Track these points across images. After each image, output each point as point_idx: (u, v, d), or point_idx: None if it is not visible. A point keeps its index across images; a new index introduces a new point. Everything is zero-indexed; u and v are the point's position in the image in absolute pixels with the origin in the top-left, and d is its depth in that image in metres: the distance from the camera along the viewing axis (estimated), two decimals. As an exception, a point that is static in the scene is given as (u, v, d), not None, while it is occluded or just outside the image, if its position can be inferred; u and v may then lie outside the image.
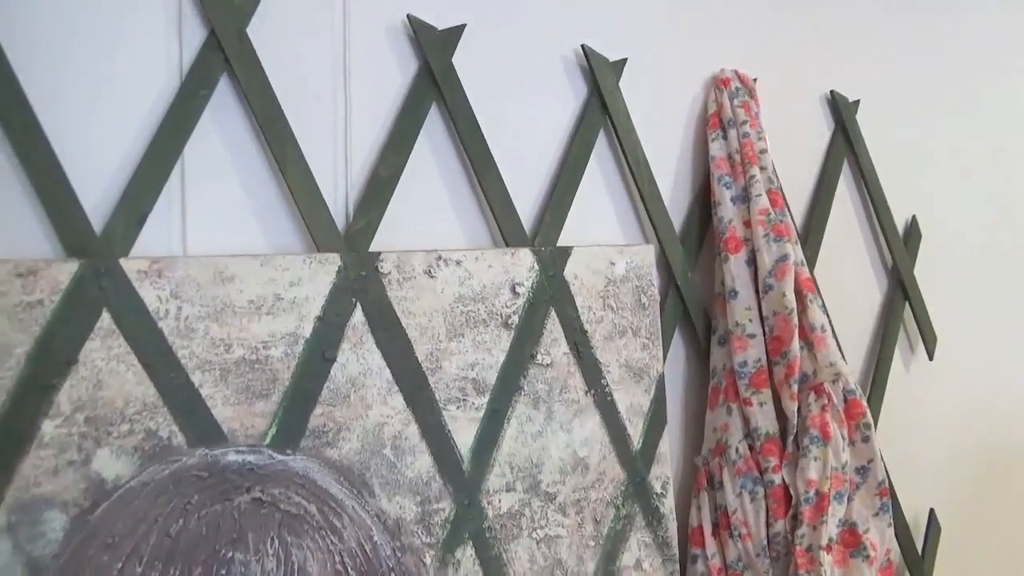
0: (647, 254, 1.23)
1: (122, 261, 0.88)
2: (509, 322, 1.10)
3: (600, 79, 1.24)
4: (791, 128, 1.46)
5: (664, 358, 1.26)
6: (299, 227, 1.03)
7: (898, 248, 1.61)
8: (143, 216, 0.92)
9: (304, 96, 1.04)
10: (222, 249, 0.97)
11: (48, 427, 0.84)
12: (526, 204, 1.20)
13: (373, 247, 1.05)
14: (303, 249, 1.03)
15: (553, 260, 1.15)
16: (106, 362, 0.87)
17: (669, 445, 1.24)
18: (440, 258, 1.06)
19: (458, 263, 1.07)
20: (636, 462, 1.19)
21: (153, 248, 0.94)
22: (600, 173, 1.29)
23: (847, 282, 1.54)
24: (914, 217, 1.67)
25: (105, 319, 0.87)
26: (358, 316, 1.00)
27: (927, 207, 1.68)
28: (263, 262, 0.95)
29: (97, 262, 0.87)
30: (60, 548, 0.84)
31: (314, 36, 1.05)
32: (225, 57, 0.97)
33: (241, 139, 1.01)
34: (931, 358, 1.66)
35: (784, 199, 1.33)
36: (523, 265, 1.12)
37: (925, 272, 1.65)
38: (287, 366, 0.96)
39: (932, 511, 1.62)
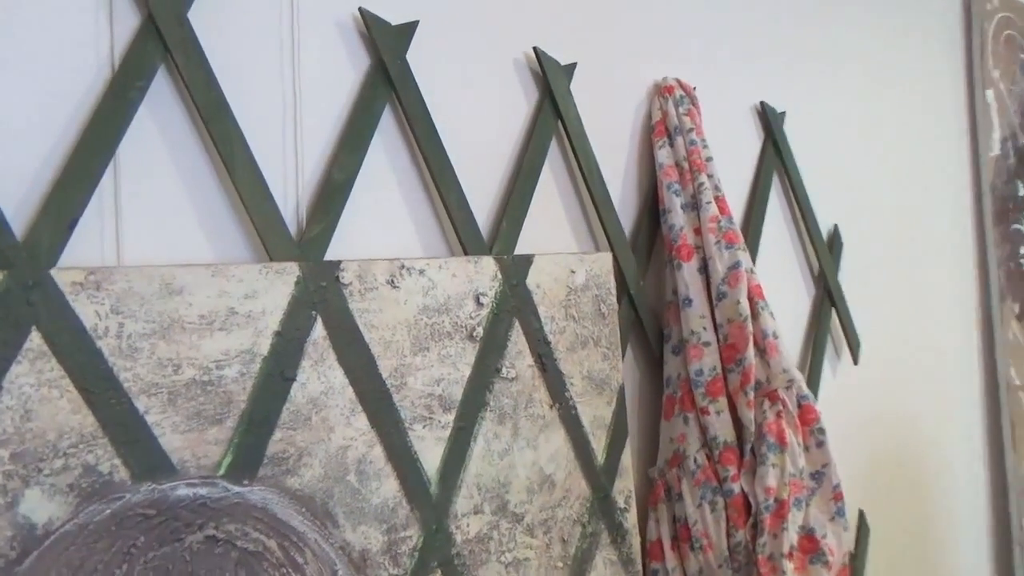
0: (605, 262, 1.21)
1: (53, 272, 0.76)
2: (474, 334, 1.05)
3: (553, 83, 1.22)
4: (725, 138, 1.47)
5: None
6: (248, 234, 0.94)
7: (824, 256, 1.66)
8: (72, 222, 0.81)
9: (251, 91, 0.95)
10: (163, 258, 0.87)
11: (-36, 467, 0.71)
12: (482, 210, 1.15)
13: (328, 255, 0.97)
14: (252, 258, 0.94)
15: (516, 269, 1.10)
16: (35, 389, 0.75)
17: (631, 458, 1.21)
18: (403, 267, 0.99)
19: (421, 272, 1.01)
20: (600, 477, 1.16)
21: (84, 258, 0.83)
22: (553, 179, 1.26)
23: (778, 288, 1.58)
24: (836, 226, 1.73)
25: (34, 339, 0.75)
26: (319, 330, 0.92)
27: (848, 216, 1.75)
28: (214, 272, 0.85)
29: (24, 273, 0.75)
30: (-19, 609, 0.72)
31: (261, 26, 0.97)
32: (164, 45, 0.87)
33: (182, 136, 0.91)
34: (856, 362, 1.72)
35: (727, 207, 1.34)
36: (486, 274, 1.07)
37: (846, 279, 1.71)
38: (243, 387, 0.86)
39: (861, 512, 1.67)
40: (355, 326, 0.95)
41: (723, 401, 1.25)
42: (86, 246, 0.83)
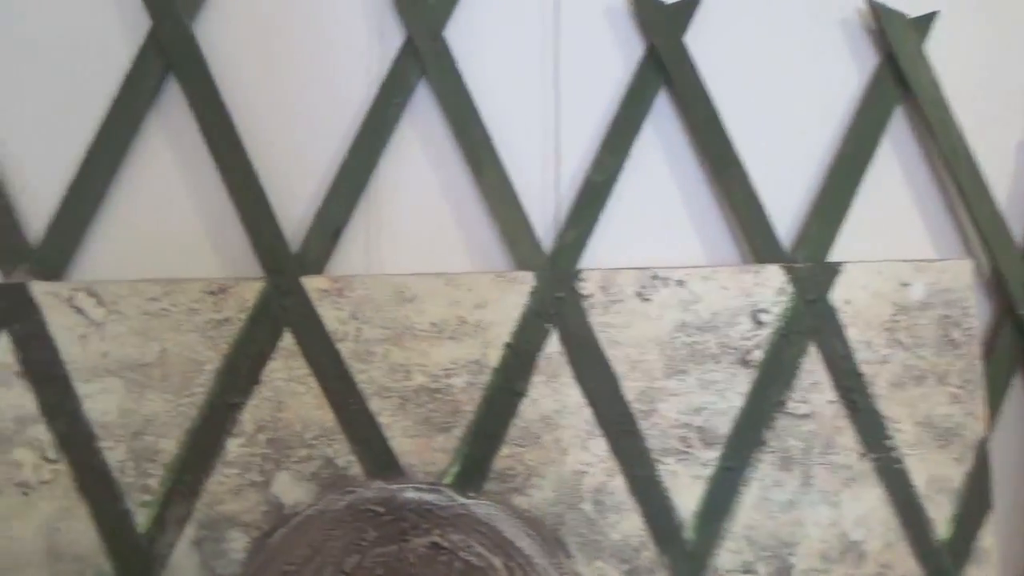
0: (960, 272, 0.90)
1: (304, 280, 0.85)
2: (749, 358, 0.87)
3: (896, 43, 0.95)
4: None
5: (993, 417, 0.91)
6: (500, 242, 0.92)
7: None
8: (336, 233, 0.89)
9: (508, 96, 0.93)
10: (416, 267, 0.90)
11: (232, 445, 0.83)
12: (783, 209, 0.95)
13: (581, 264, 0.90)
14: (504, 266, 0.92)
15: (814, 280, 0.89)
16: (287, 383, 0.84)
17: (996, 540, 0.89)
18: (656, 277, 0.87)
19: (680, 283, 0.87)
20: (940, 558, 0.87)
21: (347, 267, 0.90)
22: (899, 166, 0.98)
23: None
24: None
25: (287, 339, 0.84)
26: (553, 345, 0.86)
27: None
28: (447, 281, 0.86)
29: (280, 281, 0.85)
30: (240, 569, 0.83)
31: (520, 27, 0.94)
32: (421, 62, 0.90)
33: (438, 148, 0.93)
34: None
35: None
36: (770, 286, 0.88)
37: None
38: (471, 398, 0.85)
39: None
40: (596, 342, 0.86)
41: None
42: (349, 255, 0.91)
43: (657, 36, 0.93)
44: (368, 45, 0.93)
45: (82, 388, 0.82)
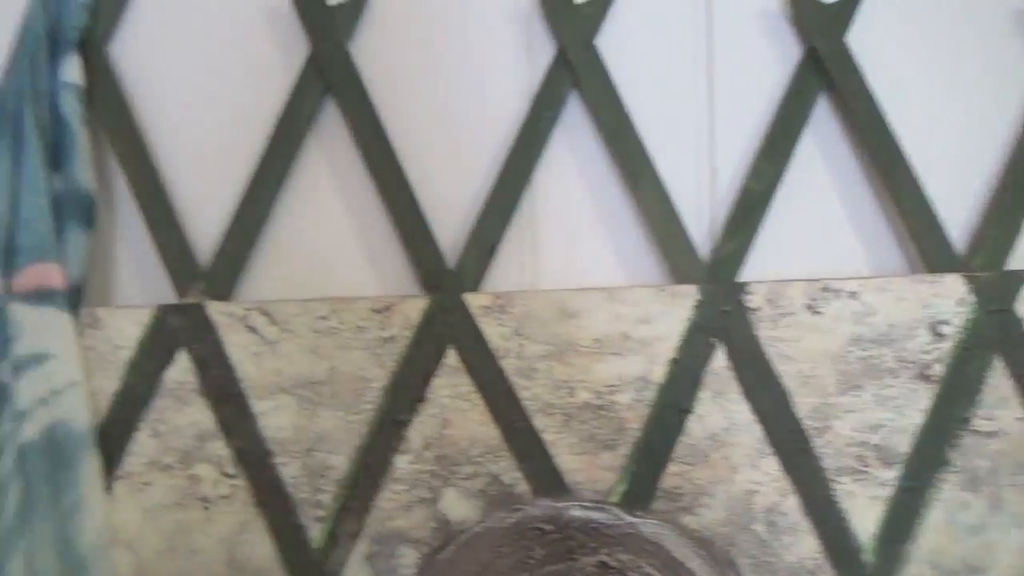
0: None
1: (467, 296, 0.85)
2: (928, 372, 0.83)
3: (1076, 34, 0.89)
4: None
5: None
6: (655, 255, 0.90)
7: None
8: (492, 249, 0.88)
9: (660, 104, 0.92)
10: (572, 282, 0.89)
11: (401, 462, 0.84)
12: (953, 214, 0.90)
13: (741, 277, 0.87)
14: (662, 281, 0.90)
15: (997, 289, 0.84)
16: (452, 400, 0.84)
17: None
18: (827, 289, 0.84)
19: (852, 295, 0.84)
20: None
21: (504, 282, 0.90)
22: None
23: None
24: None
25: (451, 356, 0.85)
26: (720, 360, 0.84)
27: None
28: (609, 296, 0.85)
29: (443, 298, 0.85)
30: (410, 585, 0.84)
31: (671, 33, 0.93)
32: (572, 73, 0.89)
33: (591, 160, 0.92)
34: None
35: None
36: (950, 296, 0.84)
37: None
38: (636, 415, 0.84)
39: None
40: (764, 357, 0.84)
41: None
42: (505, 271, 0.90)
43: (817, 37, 0.89)
44: (518, 59, 0.92)
45: (257, 405, 0.85)
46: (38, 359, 0.82)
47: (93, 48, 0.90)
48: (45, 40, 0.86)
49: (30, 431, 0.80)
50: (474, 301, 0.85)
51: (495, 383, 0.84)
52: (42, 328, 0.82)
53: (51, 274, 0.82)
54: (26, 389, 0.81)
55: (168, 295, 0.89)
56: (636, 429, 0.84)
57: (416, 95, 0.92)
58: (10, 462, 0.79)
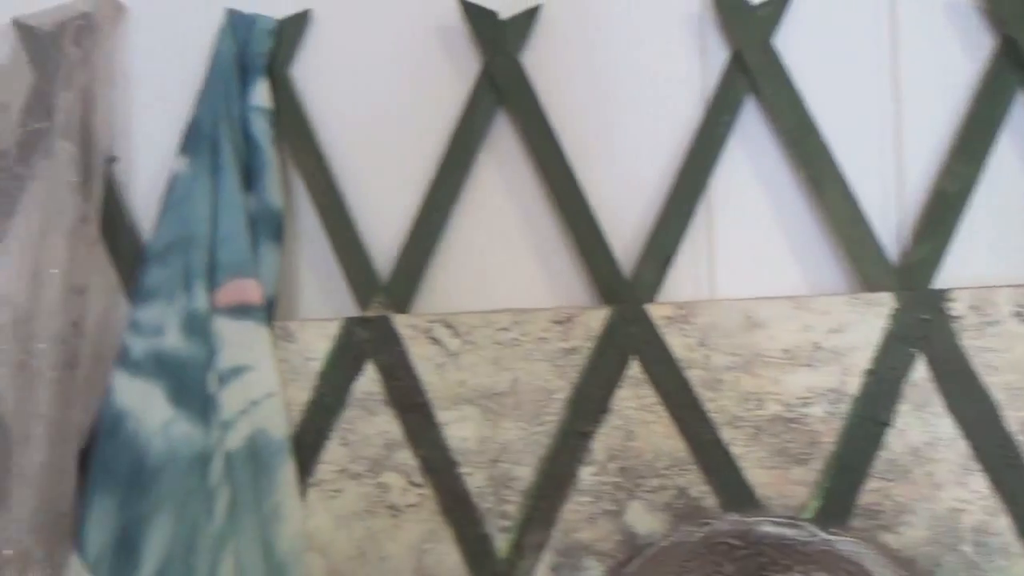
0: None
1: (649, 307, 0.84)
2: None
3: None
4: None
5: None
6: (842, 262, 0.87)
7: None
8: (668, 259, 0.87)
9: (843, 104, 0.88)
10: (752, 291, 0.87)
11: (585, 474, 0.84)
12: None
13: (937, 284, 0.83)
14: (847, 289, 0.87)
15: None
16: (636, 412, 0.84)
17: None
18: (1039, 295, 0.79)
19: (1068, 301, 0.79)
20: None
21: (680, 292, 0.89)
22: None
23: None
24: None
25: (634, 367, 0.84)
26: (920, 371, 0.80)
27: None
28: (797, 305, 0.82)
29: (624, 308, 0.85)
30: (596, 598, 0.84)
31: (853, 30, 0.89)
32: (749, 75, 0.87)
33: (769, 165, 0.90)
34: None
35: None
36: None
37: None
38: (830, 428, 0.81)
39: None
40: (969, 368, 0.79)
41: None
42: (683, 281, 0.89)
43: (1012, 28, 0.84)
44: (690, 64, 0.91)
45: (442, 416, 0.86)
46: (239, 371, 0.85)
47: (277, 71, 0.94)
48: (235, 66, 0.91)
49: (234, 440, 0.84)
50: (656, 311, 0.84)
51: (680, 394, 0.83)
52: (242, 341, 0.85)
53: (249, 289, 0.86)
54: (229, 400, 0.85)
55: (348, 308, 0.92)
56: (830, 443, 0.81)
57: (587, 104, 0.92)
58: (219, 469, 0.83)
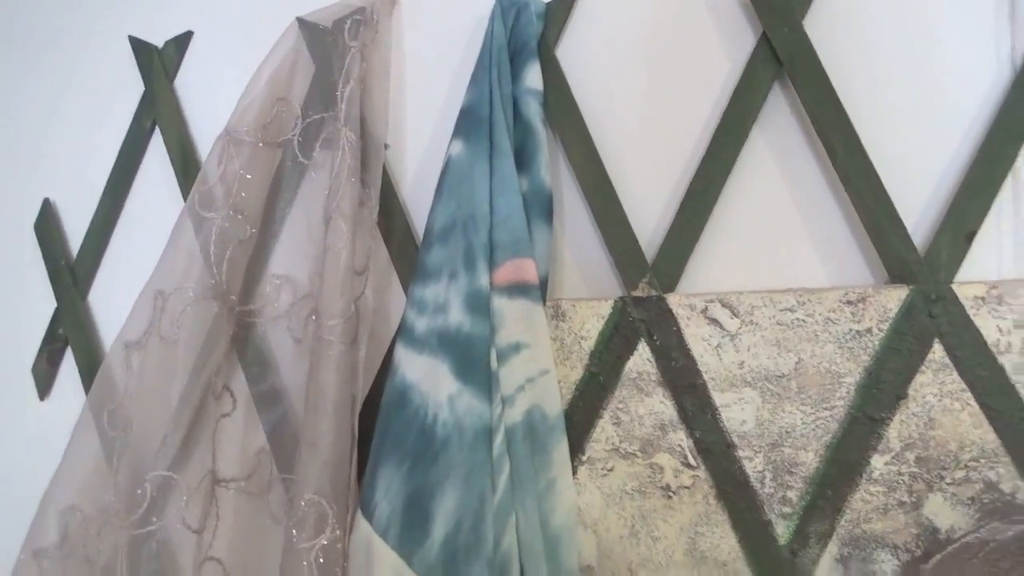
0: None
1: (954, 286, 0.78)
2: None
3: None
4: None
5: None
6: None
7: None
8: (970, 235, 0.80)
9: None
10: (1069, 269, 0.79)
11: (878, 463, 0.79)
12: None
13: None
14: None
15: None
16: (938, 399, 0.78)
17: None
18: None
19: None
20: None
21: (980, 270, 0.82)
22: None
23: None
24: None
25: (936, 351, 0.78)
26: None
27: None
28: None
29: (927, 288, 0.79)
30: (890, 594, 0.79)
31: None
32: (1071, 33, 0.79)
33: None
34: None
35: None
36: None
37: None
38: None
39: None
40: None
41: None
42: (983, 258, 0.82)
43: None
44: (996, 31, 0.83)
45: (718, 398, 0.84)
46: (516, 348, 0.87)
47: (545, 53, 0.95)
48: (507, 49, 0.93)
49: (513, 415, 0.86)
50: (965, 291, 0.78)
51: (991, 381, 0.77)
52: (519, 319, 0.87)
53: (526, 269, 0.88)
54: (508, 376, 0.87)
55: (610, 287, 0.92)
56: None
57: (874, 73, 0.86)
58: (501, 442, 0.85)
